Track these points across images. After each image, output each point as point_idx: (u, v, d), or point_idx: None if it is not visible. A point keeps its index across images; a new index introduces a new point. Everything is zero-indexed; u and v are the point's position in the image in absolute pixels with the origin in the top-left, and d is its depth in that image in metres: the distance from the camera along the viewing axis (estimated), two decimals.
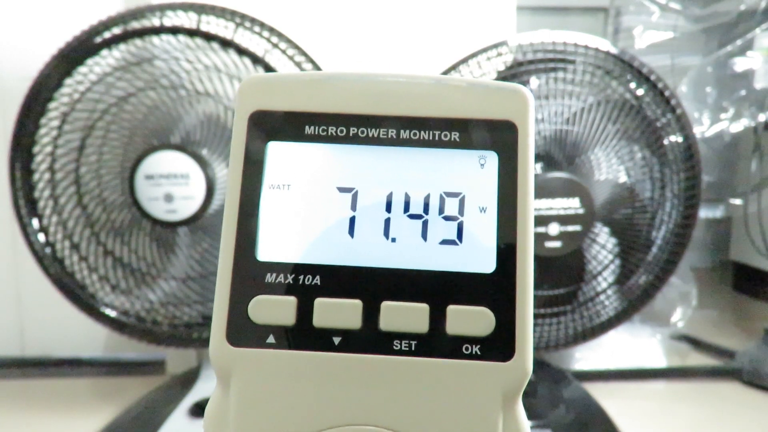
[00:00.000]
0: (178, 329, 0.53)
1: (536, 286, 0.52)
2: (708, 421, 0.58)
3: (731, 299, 0.95)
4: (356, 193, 0.19)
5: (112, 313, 0.53)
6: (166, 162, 0.49)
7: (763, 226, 0.78)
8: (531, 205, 0.18)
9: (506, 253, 0.18)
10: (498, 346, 0.17)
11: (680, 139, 0.53)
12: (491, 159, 0.18)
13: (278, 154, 0.19)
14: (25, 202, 0.52)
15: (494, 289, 0.17)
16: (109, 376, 0.65)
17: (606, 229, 0.53)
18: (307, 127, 0.19)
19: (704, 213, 0.85)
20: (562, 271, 0.52)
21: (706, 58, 0.79)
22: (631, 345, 0.74)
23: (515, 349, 0.17)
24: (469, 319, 0.17)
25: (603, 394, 0.59)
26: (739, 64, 0.77)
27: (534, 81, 0.51)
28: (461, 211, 0.18)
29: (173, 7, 0.50)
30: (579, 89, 0.51)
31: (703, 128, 0.77)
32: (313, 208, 0.18)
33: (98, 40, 0.49)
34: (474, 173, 0.18)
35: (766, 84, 0.74)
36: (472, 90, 0.19)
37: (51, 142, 0.51)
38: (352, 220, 0.18)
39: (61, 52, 0.50)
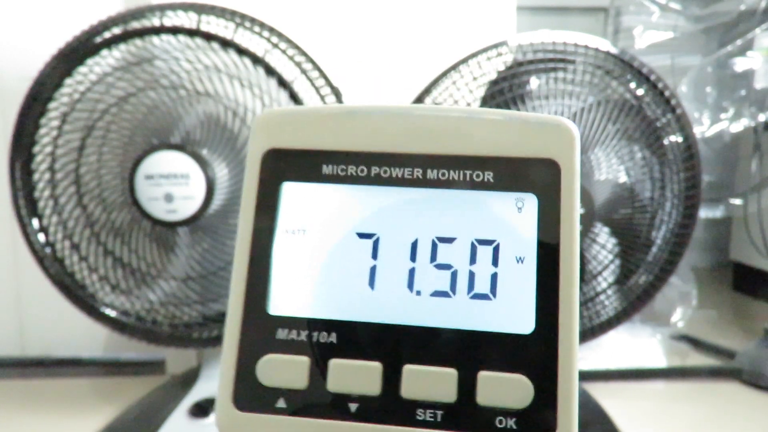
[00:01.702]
0: (178, 329, 0.53)
1: None
2: (708, 421, 0.58)
3: (731, 299, 0.96)
4: (378, 239, 0.17)
5: (112, 313, 0.53)
6: (166, 162, 0.49)
7: (763, 226, 0.78)
8: (576, 256, 0.16)
9: (547, 310, 0.16)
10: (537, 420, 0.15)
11: (680, 139, 0.53)
12: (530, 202, 0.16)
13: (293, 195, 0.17)
14: (25, 202, 0.52)
15: (533, 354, 0.15)
16: (109, 376, 0.65)
17: (606, 229, 0.53)
18: (324, 166, 0.17)
19: (704, 213, 0.85)
20: None
21: (706, 58, 0.79)
22: (631, 345, 0.74)
23: (557, 425, 0.15)
24: (504, 388, 0.15)
25: (603, 394, 0.59)
26: (739, 64, 0.77)
27: (534, 81, 0.51)
28: (495, 262, 0.16)
29: (173, 7, 0.50)
30: (579, 89, 0.51)
31: (703, 128, 0.77)
32: (330, 256, 0.17)
33: (98, 40, 0.49)
34: (510, 218, 0.16)
35: (766, 84, 0.74)
36: (509, 124, 0.17)
37: (51, 142, 0.51)
38: (373, 269, 0.17)
39: (61, 52, 0.50)
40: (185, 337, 0.53)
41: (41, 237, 0.52)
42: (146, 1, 0.56)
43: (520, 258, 0.16)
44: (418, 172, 0.17)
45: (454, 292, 0.16)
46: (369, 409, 0.16)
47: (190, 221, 0.50)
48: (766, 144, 0.78)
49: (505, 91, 0.50)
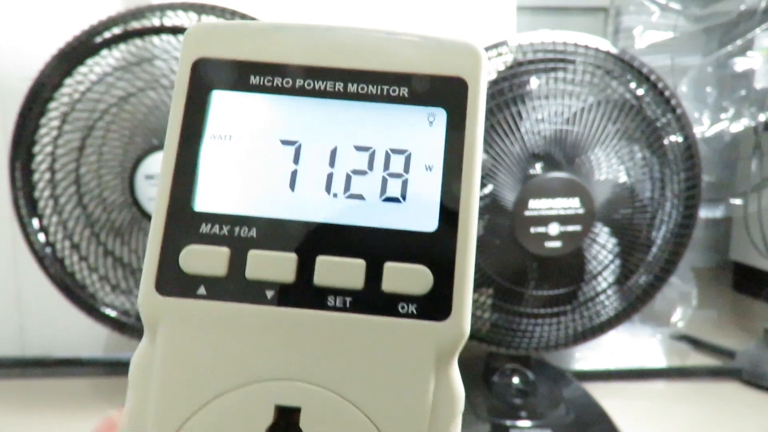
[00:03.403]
0: None
1: (536, 286, 0.52)
2: (708, 421, 0.58)
3: (731, 299, 0.95)
4: (300, 146, 0.18)
5: (112, 313, 0.53)
6: None
7: (763, 226, 0.78)
8: (478, 166, 0.18)
9: (449, 212, 0.17)
10: (434, 305, 0.17)
11: (680, 139, 0.53)
12: (440, 116, 0.18)
13: (221, 103, 0.18)
14: (25, 202, 0.52)
15: (434, 248, 0.17)
16: (109, 376, 0.65)
17: (606, 229, 0.53)
18: (252, 77, 0.18)
19: (704, 213, 0.85)
20: (562, 271, 0.52)
21: (706, 58, 0.79)
22: (631, 345, 0.73)
23: (452, 309, 0.17)
24: (406, 277, 0.17)
25: (603, 394, 0.59)
26: (739, 64, 0.77)
27: (534, 81, 0.51)
28: (407, 169, 0.18)
29: (173, 7, 0.50)
30: (579, 89, 0.51)
31: (703, 128, 0.77)
32: (254, 160, 0.18)
33: (98, 40, 0.49)
34: (422, 130, 0.18)
35: (766, 84, 0.74)
36: (424, 45, 0.18)
37: (51, 142, 0.51)
38: (294, 173, 0.18)
39: (61, 52, 0.50)
40: None
41: (41, 237, 0.52)
42: (146, 1, 0.56)
43: (428, 166, 0.18)
44: (339, 86, 0.18)
45: (367, 196, 0.18)
46: (284, 295, 0.17)
47: None
48: (766, 144, 0.78)
49: (505, 91, 0.50)
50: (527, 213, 0.49)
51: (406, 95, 0.18)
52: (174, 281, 0.17)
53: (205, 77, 0.18)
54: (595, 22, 0.93)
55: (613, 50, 0.52)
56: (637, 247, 0.54)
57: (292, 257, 0.17)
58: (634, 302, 0.55)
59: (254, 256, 0.17)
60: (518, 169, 0.50)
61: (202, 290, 0.17)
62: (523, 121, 0.50)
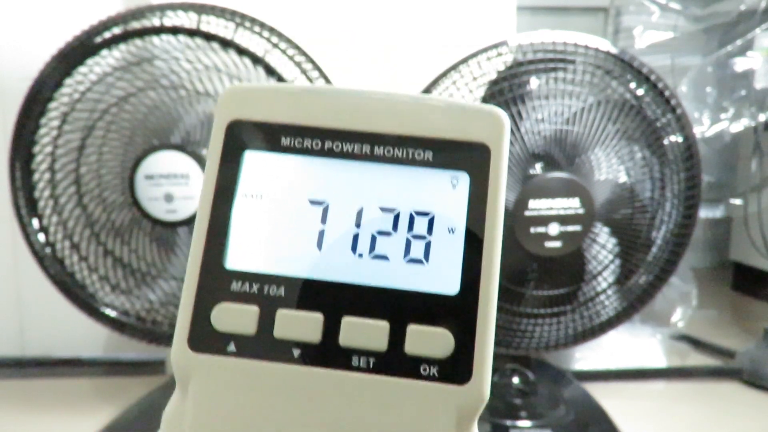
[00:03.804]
0: None
1: (536, 287, 0.52)
2: (708, 421, 0.58)
3: (731, 299, 0.96)
4: (327, 206, 0.19)
5: (112, 313, 0.53)
6: (166, 162, 0.49)
7: (763, 226, 0.78)
8: (500, 230, 0.18)
9: (471, 276, 0.18)
10: (455, 368, 0.17)
11: (680, 139, 0.53)
12: (463, 180, 0.18)
13: (253, 163, 0.19)
14: (25, 202, 0.52)
15: (456, 312, 0.17)
16: (109, 376, 0.65)
17: (606, 229, 0.53)
18: (283, 138, 0.19)
19: (704, 213, 0.85)
20: (562, 271, 0.52)
21: (706, 58, 0.79)
22: (631, 345, 0.74)
23: (473, 372, 0.17)
24: (429, 340, 0.17)
25: (603, 394, 0.59)
26: (739, 64, 0.77)
27: (534, 81, 0.51)
28: (430, 231, 0.18)
29: (173, 7, 0.50)
30: (579, 89, 0.51)
31: (703, 128, 0.77)
32: (284, 219, 0.19)
33: (98, 40, 0.49)
34: (445, 193, 0.18)
35: (766, 84, 0.74)
36: (449, 110, 0.19)
37: (51, 142, 0.51)
38: (322, 233, 0.18)
39: (61, 52, 0.50)
40: None
41: (41, 237, 0.52)
42: (146, 1, 0.56)
43: (451, 229, 0.18)
44: (366, 148, 0.19)
45: (392, 257, 0.18)
46: (310, 354, 0.17)
47: (190, 221, 0.50)
48: (766, 144, 0.78)
49: (505, 91, 0.50)
50: (527, 213, 0.49)
51: (431, 159, 0.18)
52: (206, 338, 0.18)
53: (239, 138, 0.19)
54: (595, 22, 0.93)
55: (613, 50, 0.52)
56: (637, 247, 0.54)
57: (318, 318, 0.18)
58: (634, 302, 0.55)
59: (282, 315, 0.18)
60: (518, 169, 0.50)
61: (232, 347, 0.18)
62: (523, 121, 0.50)
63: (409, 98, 0.19)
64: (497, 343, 0.54)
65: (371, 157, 0.19)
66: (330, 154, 0.19)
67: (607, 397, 0.58)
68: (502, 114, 0.19)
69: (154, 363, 0.65)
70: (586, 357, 0.69)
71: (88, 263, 0.53)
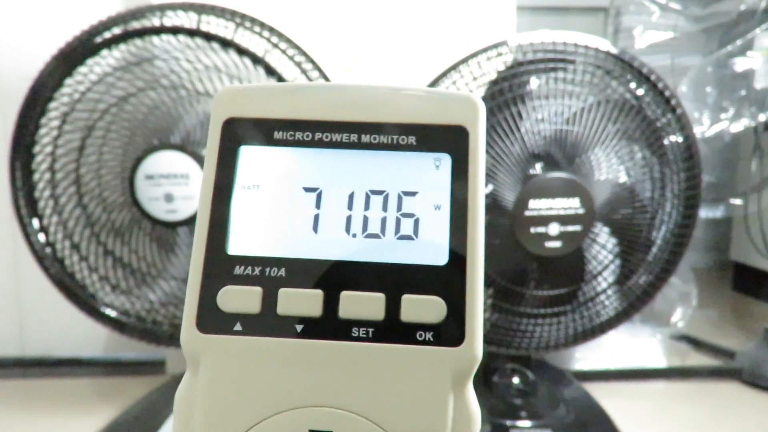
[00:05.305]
0: (178, 329, 0.53)
1: (536, 287, 0.52)
2: (708, 421, 0.58)
3: (731, 299, 0.96)
4: (320, 192, 0.20)
5: (112, 313, 0.53)
6: (166, 162, 0.49)
7: (763, 226, 0.78)
8: (481, 204, 0.20)
9: (458, 247, 0.19)
10: (449, 332, 0.18)
11: (680, 139, 0.53)
12: (445, 161, 0.20)
13: (249, 157, 0.20)
14: (25, 202, 0.52)
15: (446, 280, 0.19)
16: (109, 376, 0.65)
17: (606, 229, 0.53)
18: (276, 132, 0.20)
19: (704, 213, 0.85)
20: (562, 271, 0.52)
21: (706, 58, 0.79)
22: (631, 345, 0.74)
23: (465, 335, 0.18)
24: (423, 307, 0.18)
25: (603, 394, 0.59)
26: (739, 64, 0.77)
27: (534, 81, 0.51)
28: (417, 209, 0.20)
29: (173, 7, 0.50)
30: (579, 89, 0.51)
31: (703, 128, 0.77)
32: (280, 206, 0.20)
33: (98, 40, 0.49)
34: (430, 174, 0.20)
35: (766, 84, 0.74)
36: (428, 98, 0.20)
37: (51, 142, 0.51)
38: (316, 217, 0.20)
39: (61, 52, 0.50)
40: None
41: (41, 237, 0.52)
42: (146, 1, 0.56)
43: (437, 206, 0.20)
44: (354, 137, 0.20)
45: (383, 234, 0.20)
46: (312, 328, 0.19)
47: (190, 221, 0.50)
48: (766, 144, 0.78)
49: (505, 91, 0.50)
50: (527, 213, 0.49)
51: (414, 143, 0.20)
52: (213, 319, 0.19)
53: (235, 135, 0.20)
54: (595, 22, 0.93)
55: (613, 50, 0.52)
56: (637, 247, 0.54)
57: (318, 294, 0.19)
58: (634, 302, 0.55)
59: (284, 293, 0.19)
60: (518, 169, 0.50)
61: (238, 326, 0.19)
62: (523, 121, 0.50)
63: (391, 89, 0.20)
64: (497, 343, 0.54)
65: (359, 145, 0.20)
66: (320, 144, 0.20)
67: (607, 397, 0.58)
68: (477, 99, 0.20)
69: (154, 363, 0.65)
70: (586, 357, 0.69)
71: (88, 263, 0.53)
